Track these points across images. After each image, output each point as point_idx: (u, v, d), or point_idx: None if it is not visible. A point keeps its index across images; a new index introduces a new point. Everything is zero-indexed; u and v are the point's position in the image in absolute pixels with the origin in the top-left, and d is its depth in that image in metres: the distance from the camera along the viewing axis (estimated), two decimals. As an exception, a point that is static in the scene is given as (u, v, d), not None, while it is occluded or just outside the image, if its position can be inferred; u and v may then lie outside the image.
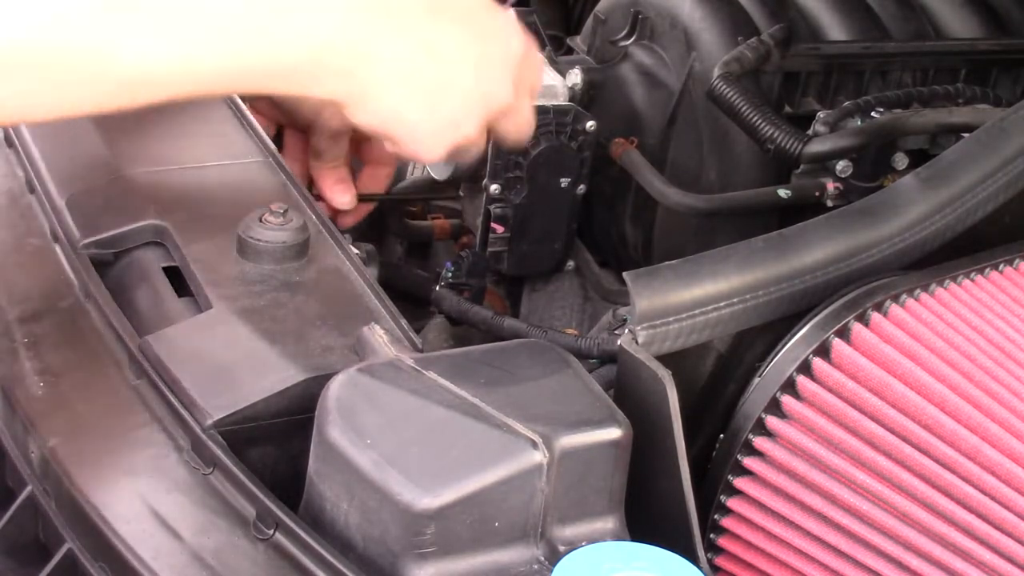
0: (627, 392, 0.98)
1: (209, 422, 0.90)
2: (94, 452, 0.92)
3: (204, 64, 0.99)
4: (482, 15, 1.16)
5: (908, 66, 1.50)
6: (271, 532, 0.85)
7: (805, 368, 1.03)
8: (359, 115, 1.13)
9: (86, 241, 1.05)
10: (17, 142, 1.17)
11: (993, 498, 0.95)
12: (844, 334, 1.04)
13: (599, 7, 1.56)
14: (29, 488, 0.93)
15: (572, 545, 0.84)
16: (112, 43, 0.94)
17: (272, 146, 1.15)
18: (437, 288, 1.44)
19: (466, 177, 1.41)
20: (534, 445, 0.83)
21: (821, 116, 1.37)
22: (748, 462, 1.04)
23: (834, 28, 1.51)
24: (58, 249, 1.07)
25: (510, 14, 1.20)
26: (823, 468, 1.00)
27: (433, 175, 1.41)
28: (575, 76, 1.45)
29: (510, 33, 1.18)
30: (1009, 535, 0.94)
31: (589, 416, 0.87)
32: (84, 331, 1.00)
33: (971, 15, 1.58)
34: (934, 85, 1.46)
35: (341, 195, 1.32)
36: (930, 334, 1.04)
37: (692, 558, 0.84)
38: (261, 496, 0.86)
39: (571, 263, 1.51)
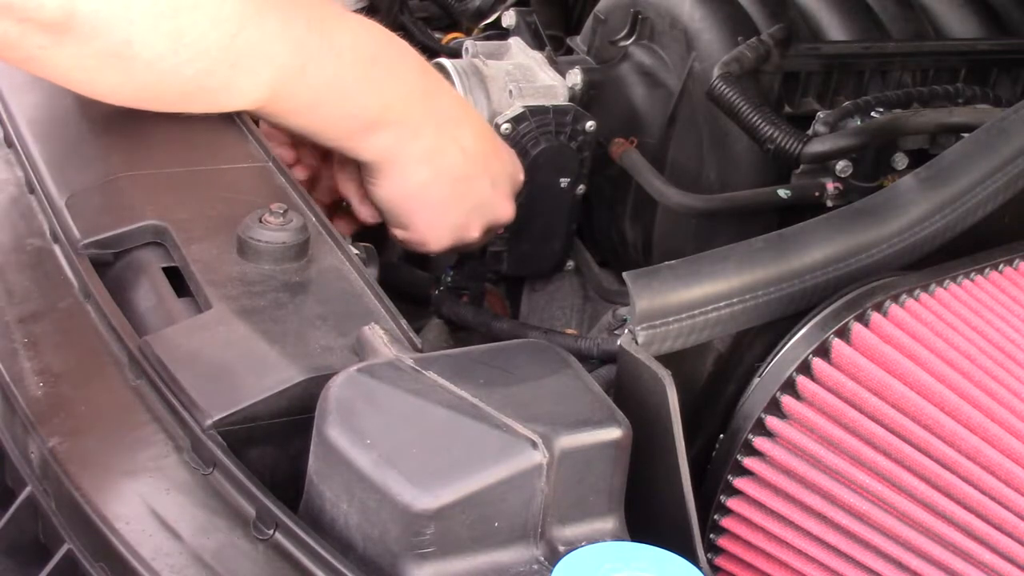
0: (627, 392, 0.98)
1: (209, 422, 0.90)
2: (94, 452, 0.92)
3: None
4: (497, 141, 1.31)
5: (908, 66, 1.50)
6: (271, 532, 0.85)
7: (805, 368, 1.03)
8: (389, 184, 1.21)
9: (86, 241, 1.05)
10: (17, 142, 1.17)
11: (993, 498, 0.95)
12: (844, 334, 1.04)
13: (599, 7, 1.56)
14: (29, 488, 0.93)
15: (572, 545, 0.83)
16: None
17: (272, 150, 1.15)
18: (436, 292, 1.44)
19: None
20: (534, 445, 0.83)
21: (821, 116, 1.37)
22: (748, 462, 1.04)
23: (834, 28, 1.51)
24: (58, 249, 1.07)
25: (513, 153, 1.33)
26: (823, 468, 1.00)
27: None
28: (575, 76, 1.45)
29: (517, 165, 1.32)
30: (1009, 535, 0.94)
31: (589, 416, 0.86)
32: (84, 331, 1.00)
33: (971, 15, 1.58)
34: (934, 85, 1.46)
35: (370, 209, 1.30)
36: (930, 334, 1.04)
37: (692, 558, 0.84)
38: (261, 496, 0.85)
39: (571, 263, 1.51)
